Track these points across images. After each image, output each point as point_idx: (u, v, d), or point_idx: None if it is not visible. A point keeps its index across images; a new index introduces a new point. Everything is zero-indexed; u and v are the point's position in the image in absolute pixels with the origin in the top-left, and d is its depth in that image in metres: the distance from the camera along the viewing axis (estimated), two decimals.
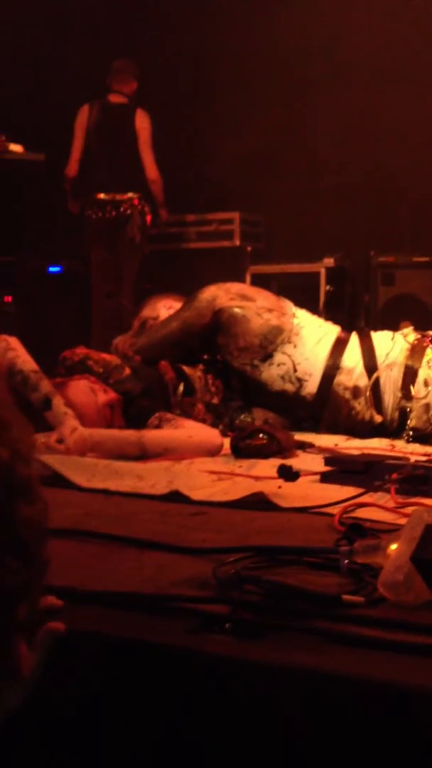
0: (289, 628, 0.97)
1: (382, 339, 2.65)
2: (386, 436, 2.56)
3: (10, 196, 5.02)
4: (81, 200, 5.02)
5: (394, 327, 2.86)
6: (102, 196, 4.90)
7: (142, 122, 4.94)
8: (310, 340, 2.63)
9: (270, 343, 2.63)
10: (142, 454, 2.15)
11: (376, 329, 2.81)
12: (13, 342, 2.31)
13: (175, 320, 2.73)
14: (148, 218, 4.99)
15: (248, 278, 5.15)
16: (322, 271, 5.09)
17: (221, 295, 2.69)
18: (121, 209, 4.88)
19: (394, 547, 1.10)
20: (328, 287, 5.05)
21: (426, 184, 4.97)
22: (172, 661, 0.93)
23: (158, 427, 2.36)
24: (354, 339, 2.65)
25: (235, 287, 2.76)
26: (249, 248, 5.40)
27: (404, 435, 2.53)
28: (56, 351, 2.63)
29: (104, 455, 2.11)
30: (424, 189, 4.97)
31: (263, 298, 2.73)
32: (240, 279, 4.81)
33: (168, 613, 1.02)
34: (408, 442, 2.49)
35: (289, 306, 2.74)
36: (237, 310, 2.66)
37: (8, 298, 5.30)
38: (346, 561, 1.15)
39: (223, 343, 2.68)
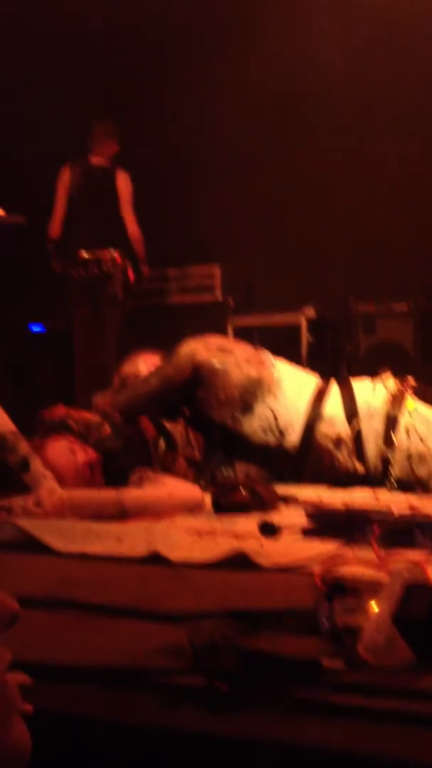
0: (267, 699, 0.93)
1: (362, 387, 2.63)
2: (370, 485, 2.53)
3: None
4: (64, 259, 5.06)
5: (377, 375, 2.85)
6: (85, 254, 4.94)
7: (124, 183, 5.02)
8: (290, 391, 2.61)
9: (250, 395, 2.61)
10: (122, 513, 2.11)
11: (342, 378, 2.79)
12: None
13: (155, 376, 2.71)
14: (130, 275, 5.03)
15: (230, 331, 5.17)
16: (303, 322, 5.11)
17: (200, 349, 2.68)
18: (104, 267, 4.92)
19: (374, 606, 1.07)
20: (309, 337, 5.07)
21: (403, 233, 5.03)
22: (145, 740, 0.89)
23: (139, 484, 2.32)
24: (334, 388, 2.64)
25: (213, 341, 2.75)
26: (230, 301, 5.43)
27: (387, 484, 2.50)
28: (40, 409, 2.61)
29: (83, 516, 2.07)
30: (402, 238, 5.03)
31: (242, 350, 2.72)
32: (222, 332, 4.82)
33: (141, 688, 0.97)
34: (391, 491, 2.46)
35: (268, 357, 2.73)
36: (216, 363, 2.65)
37: None
38: (326, 623, 1.12)
39: (203, 397, 2.66)
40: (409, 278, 4.99)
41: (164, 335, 4.20)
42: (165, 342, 3.20)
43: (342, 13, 5.08)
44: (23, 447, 2.19)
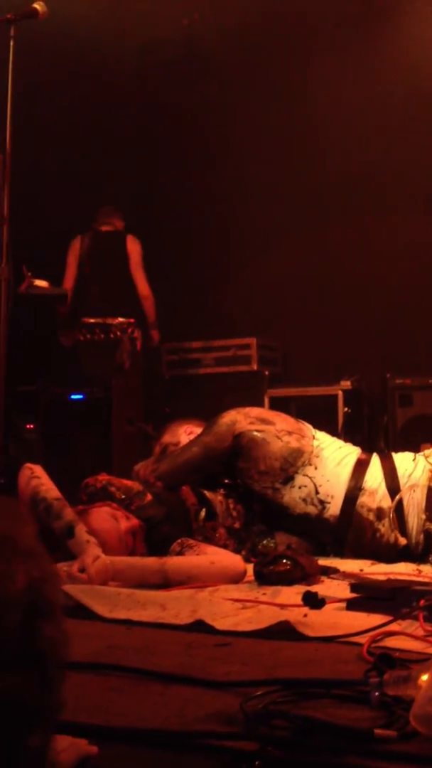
0: (321, 766, 0.94)
1: (403, 460, 2.65)
2: (412, 559, 2.51)
3: (33, 328, 5.16)
4: (73, 331, 4.94)
5: (414, 448, 2.87)
6: (91, 320, 4.85)
7: (133, 246, 5.03)
8: (330, 462, 2.64)
9: (290, 465, 2.63)
10: (165, 582, 2.13)
11: (396, 450, 2.82)
12: (37, 470, 2.34)
13: (196, 445, 2.75)
14: (139, 344, 4.93)
15: (267, 401, 5.21)
16: (340, 394, 5.14)
17: (241, 419, 2.73)
18: (111, 334, 4.84)
19: (425, 677, 1.07)
20: (346, 409, 5.09)
21: None
22: None
23: (180, 553, 2.34)
24: (375, 460, 2.65)
25: (254, 411, 2.80)
26: (266, 372, 5.49)
27: (430, 558, 2.49)
28: (78, 477, 2.65)
29: (127, 583, 2.09)
30: None
31: (282, 420, 2.76)
32: (258, 402, 4.86)
33: (196, 751, 0.99)
34: None
35: (308, 428, 2.77)
36: (257, 433, 2.69)
37: (30, 426, 5.37)
38: (377, 693, 1.12)
39: (243, 467, 2.69)
40: None
41: (201, 405, 4.25)
42: (202, 412, 3.26)
43: (378, 95, 5.27)
44: (68, 514, 2.23)
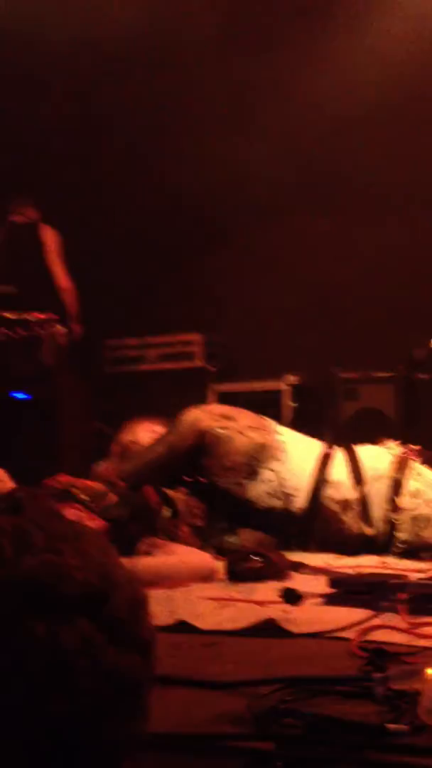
0: (340, 760, 0.95)
1: (367, 453, 2.69)
2: (375, 550, 2.56)
3: None
4: None
5: (362, 442, 2.90)
6: (8, 315, 4.57)
7: (48, 235, 4.90)
8: (295, 456, 2.66)
9: (255, 460, 2.65)
10: None
11: (346, 444, 2.84)
12: (1, 474, 2.29)
13: (161, 444, 2.74)
14: (63, 339, 4.67)
15: (213, 397, 5.21)
16: (286, 388, 5.17)
17: (203, 416, 2.73)
18: (32, 329, 4.58)
19: (431, 671, 1.09)
20: (292, 404, 5.13)
21: (382, 302, 5.18)
22: None
23: (148, 553, 2.33)
24: (339, 453, 2.69)
25: (217, 408, 2.81)
26: (211, 368, 5.48)
27: (393, 548, 2.54)
28: (28, 479, 2.60)
29: None
30: (381, 306, 5.18)
31: (245, 416, 2.77)
32: (202, 399, 4.86)
33: (214, 753, 0.98)
34: (398, 556, 2.50)
35: (271, 423, 2.79)
36: (220, 430, 2.69)
37: None
38: (381, 689, 1.14)
39: (208, 464, 2.69)
40: (389, 347, 5.11)
41: (144, 402, 4.22)
42: (144, 410, 3.23)
43: (337, 102, 5.29)
44: None
